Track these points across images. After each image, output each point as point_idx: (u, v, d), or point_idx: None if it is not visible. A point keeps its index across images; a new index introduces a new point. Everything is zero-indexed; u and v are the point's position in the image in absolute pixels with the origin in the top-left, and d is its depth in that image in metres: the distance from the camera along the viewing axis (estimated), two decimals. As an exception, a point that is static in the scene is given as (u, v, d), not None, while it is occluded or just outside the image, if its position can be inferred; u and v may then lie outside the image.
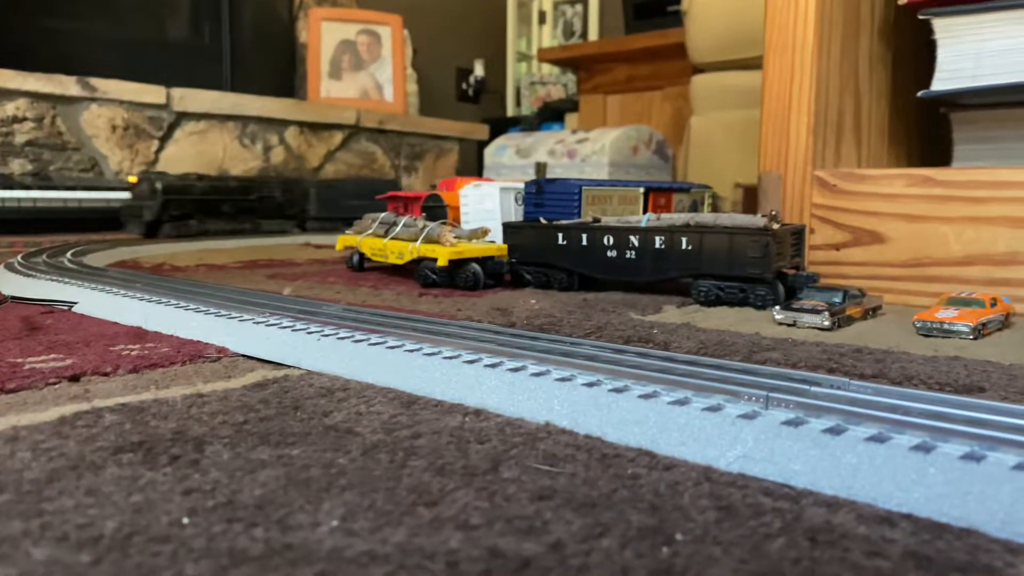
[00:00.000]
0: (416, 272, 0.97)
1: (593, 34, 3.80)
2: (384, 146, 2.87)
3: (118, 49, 2.41)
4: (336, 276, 1.07)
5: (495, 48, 4.03)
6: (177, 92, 2.25)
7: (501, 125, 3.56)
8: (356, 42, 2.95)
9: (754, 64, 2.13)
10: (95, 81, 2.09)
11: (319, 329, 0.58)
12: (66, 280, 0.86)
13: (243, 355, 0.57)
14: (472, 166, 3.37)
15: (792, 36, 0.93)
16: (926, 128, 1.17)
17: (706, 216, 0.87)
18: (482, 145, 3.08)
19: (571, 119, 3.38)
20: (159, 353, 0.56)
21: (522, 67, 4.12)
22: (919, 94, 0.95)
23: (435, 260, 0.93)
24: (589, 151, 2.40)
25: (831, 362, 0.56)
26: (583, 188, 1.02)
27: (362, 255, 1.11)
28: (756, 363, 0.55)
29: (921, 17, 0.95)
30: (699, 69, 2.34)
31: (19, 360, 0.54)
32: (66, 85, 2.04)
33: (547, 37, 4.01)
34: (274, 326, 0.59)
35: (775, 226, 0.80)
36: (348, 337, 0.55)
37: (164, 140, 2.27)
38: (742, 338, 0.64)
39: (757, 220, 0.81)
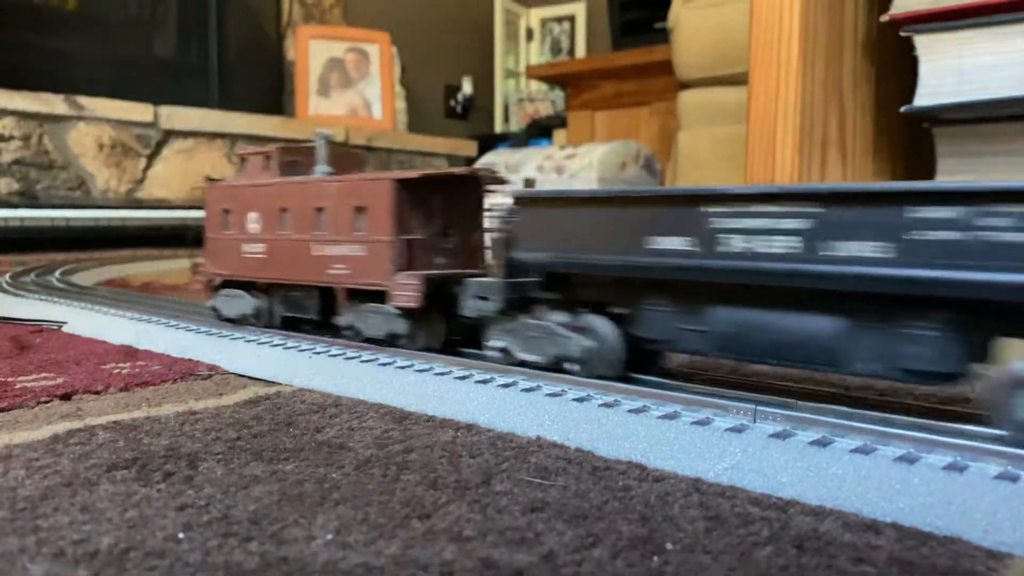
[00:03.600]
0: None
1: (580, 51, 3.82)
2: (373, 164, 2.88)
3: (105, 67, 2.41)
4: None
5: (483, 65, 4.05)
6: (164, 110, 2.26)
7: (489, 141, 3.57)
8: (344, 60, 2.96)
9: (740, 80, 2.14)
10: (82, 99, 2.09)
11: (311, 346, 0.58)
12: (55, 299, 0.86)
13: (235, 373, 0.57)
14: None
15: (776, 52, 0.95)
16: (910, 143, 1.18)
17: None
18: (470, 162, 3.09)
19: (559, 135, 3.40)
20: (150, 371, 0.56)
21: (510, 84, 4.14)
22: (902, 109, 0.96)
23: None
24: (577, 167, 2.42)
25: (818, 373, 0.56)
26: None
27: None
28: (745, 375, 0.56)
29: (903, 34, 0.97)
30: (686, 85, 2.36)
31: (10, 379, 0.54)
32: (53, 104, 2.04)
33: (535, 54, 4.03)
34: (265, 343, 0.60)
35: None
36: (340, 354, 0.55)
37: (152, 158, 2.27)
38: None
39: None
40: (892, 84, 1.12)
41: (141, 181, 2.25)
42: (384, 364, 0.52)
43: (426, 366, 0.51)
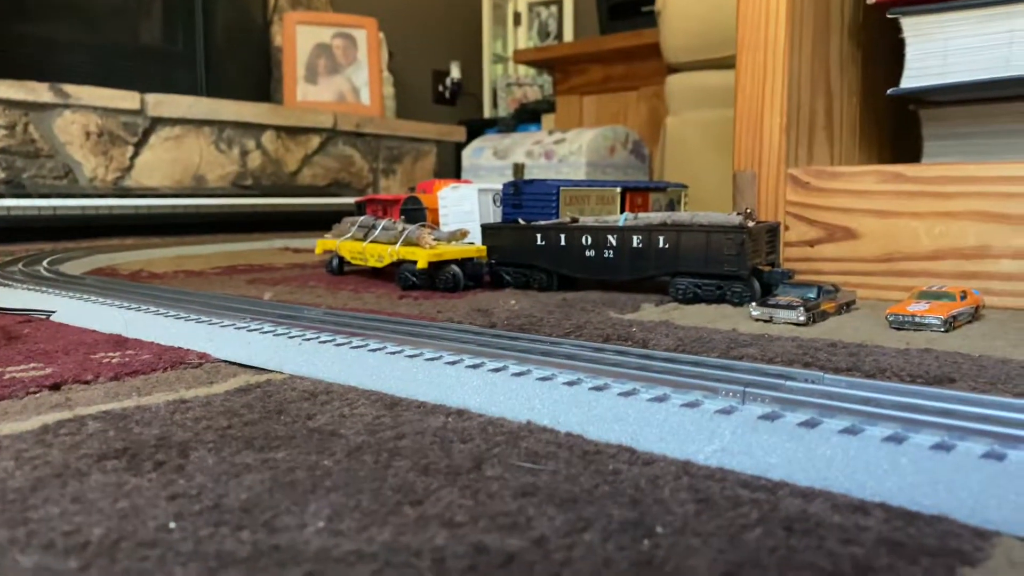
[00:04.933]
0: (396, 275, 0.97)
1: (568, 35, 3.81)
2: (361, 149, 2.87)
3: (91, 55, 2.39)
4: (316, 280, 1.07)
5: (471, 50, 4.03)
6: (151, 98, 2.24)
7: (478, 127, 3.57)
8: (331, 45, 2.95)
9: (728, 63, 2.15)
10: (68, 87, 2.08)
11: (301, 333, 0.58)
12: (43, 289, 0.85)
13: (225, 361, 0.57)
14: (450, 168, 3.38)
15: (764, 35, 0.94)
16: (896, 125, 1.19)
17: (682, 215, 0.87)
18: (460, 147, 3.09)
19: (548, 120, 3.39)
20: (140, 360, 0.56)
21: (498, 69, 4.13)
22: (888, 92, 0.97)
23: (415, 263, 0.93)
24: (566, 152, 2.42)
25: (806, 356, 0.57)
26: (561, 188, 1.03)
27: (341, 258, 1.11)
28: (733, 359, 0.56)
29: (889, 16, 0.97)
30: (674, 69, 2.36)
31: (-1, 370, 0.54)
32: (39, 92, 2.03)
33: (522, 38, 4.01)
34: (255, 331, 0.60)
35: (750, 224, 0.81)
36: (330, 341, 0.55)
37: (139, 146, 2.26)
38: (719, 334, 0.65)
39: (733, 218, 0.82)
40: (879, 66, 1.12)
41: (129, 169, 2.24)
42: (374, 350, 0.52)
43: (416, 352, 0.51)
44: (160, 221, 2.10)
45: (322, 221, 2.40)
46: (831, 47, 1.03)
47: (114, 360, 0.56)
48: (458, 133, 3.23)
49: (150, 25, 2.62)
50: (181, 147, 2.35)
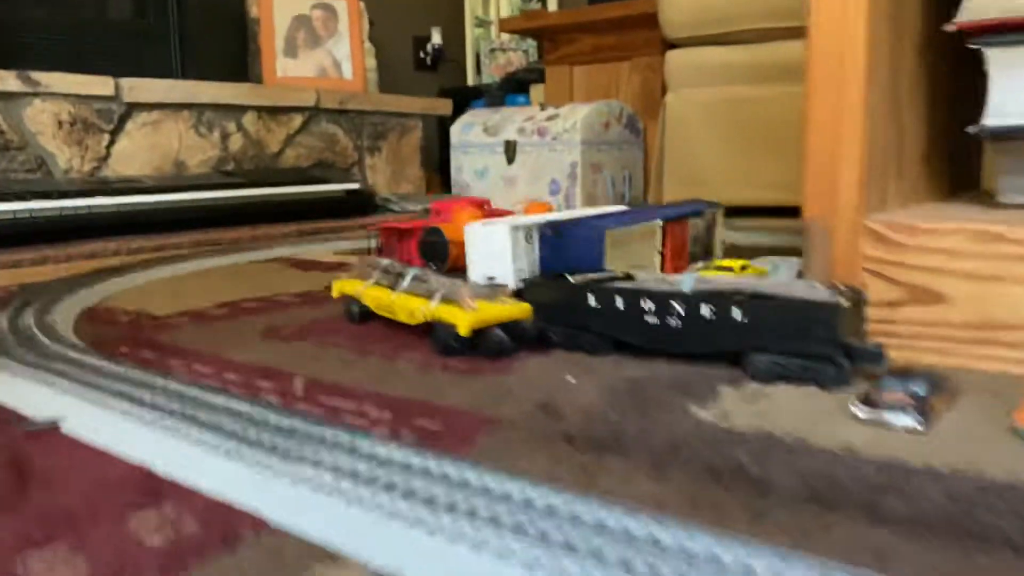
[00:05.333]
0: (433, 336, 0.87)
1: (552, 1, 3.68)
2: (345, 127, 2.74)
3: (59, 38, 2.24)
4: (336, 332, 0.97)
5: (452, 14, 3.89)
6: (126, 82, 2.10)
7: (462, 95, 3.44)
8: (311, 17, 2.81)
9: (730, 40, 2.06)
10: (37, 75, 1.94)
11: (371, 496, 0.49)
12: (41, 375, 0.75)
13: (285, 531, 0.48)
14: (436, 144, 3.27)
15: (841, 70, 0.85)
16: (953, 149, 1.11)
17: (758, 283, 0.79)
18: (444, 120, 2.97)
19: (536, 91, 3.28)
20: (186, 535, 0.47)
21: (480, 32, 3.99)
22: (968, 130, 0.88)
23: (453, 325, 0.84)
24: (560, 129, 2.32)
25: (966, 518, 0.49)
26: (606, 232, 0.94)
27: (363, 306, 1.01)
28: (879, 519, 0.49)
29: (972, 46, 0.88)
30: (673, 44, 2.27)
31: (14, 556, 0.45)
32: (6, 80, 1.89)
33: (504, 3, 3.88)
34: (321, 489, 0.51)
35: (843, 302, 0.73)
36: (420, 527, 0.46)
37: (115, 134, 2.12)
38: (843, 466, 0.57)
39: (819, 291, 0.74)
40: (943, 91, 1.04)
41: (105, 158, 2.11)
42: (477, 546, 0.43)
43: (531, 554, 0.42)
44: (143, 220, 1.97)
45: (311, 210, 2.29)
46: (902, 76, 0.94)
47: (155, 539, 0.47)
48: (443, 107, 3.11)
49: (119, 2, 2.46)
50: (159, 133, 2.21)
